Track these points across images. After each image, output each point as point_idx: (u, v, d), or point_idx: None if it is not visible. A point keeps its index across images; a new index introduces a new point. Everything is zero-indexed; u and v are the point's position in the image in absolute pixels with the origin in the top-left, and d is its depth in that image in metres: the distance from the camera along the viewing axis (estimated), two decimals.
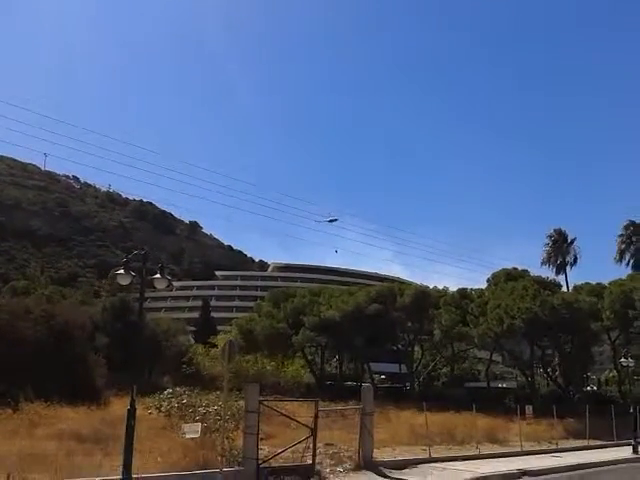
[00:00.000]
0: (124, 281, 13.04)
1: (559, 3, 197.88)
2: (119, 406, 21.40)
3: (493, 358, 53.65)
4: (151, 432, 16.47)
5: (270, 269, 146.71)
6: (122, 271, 12.82)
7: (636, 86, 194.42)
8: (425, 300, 46.05)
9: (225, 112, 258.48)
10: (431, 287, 51.84)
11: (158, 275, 12.73)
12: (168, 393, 22.36)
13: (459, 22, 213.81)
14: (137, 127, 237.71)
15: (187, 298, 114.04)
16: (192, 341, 52.35)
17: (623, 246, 61.01)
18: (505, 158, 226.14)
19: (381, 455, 18.16)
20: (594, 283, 44.57)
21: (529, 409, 26.80)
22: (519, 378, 53.20)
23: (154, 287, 13.29)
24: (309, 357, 49.69)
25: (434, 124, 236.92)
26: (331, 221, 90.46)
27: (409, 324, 47.15)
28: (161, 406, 21.01)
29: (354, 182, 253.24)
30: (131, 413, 12.12)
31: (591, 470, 19.14)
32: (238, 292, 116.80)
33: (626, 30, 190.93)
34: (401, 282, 73.18)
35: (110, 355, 33.99)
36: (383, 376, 61.62)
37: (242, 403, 15.16)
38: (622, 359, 43.28)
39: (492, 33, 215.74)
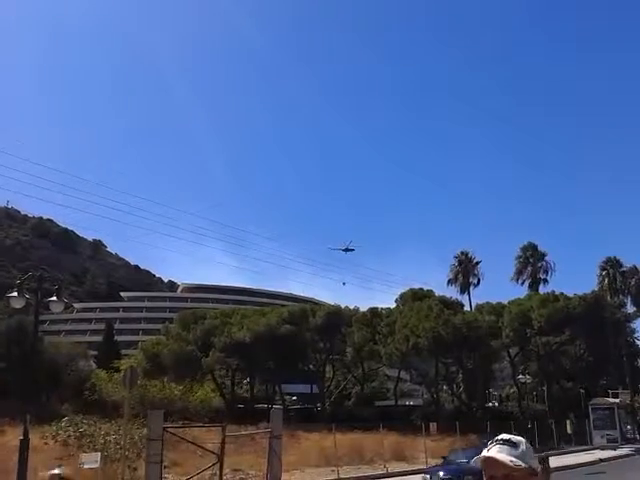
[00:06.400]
0: (18, 304, 12.36)
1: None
2: (13, 436, 20.06)
3: (401, 376, 54.92)
4: (47, 463, 15.56)
5: (180, 290, 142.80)
6: (15, 293, 12.12)
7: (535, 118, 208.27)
8: (337, 320, 46.62)
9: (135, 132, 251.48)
10: (343, 307, 52.50)
11: (54, 297, 12.08)
12: (66, 421, 21.31)
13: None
14: (38, 143, 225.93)
15: (89, 321, 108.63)
16: (94, 366, 49.87)
17: (521, 267, 64.46)
18: (412, 183, 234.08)
19: (290, 478, 18.01)
20: (494, 303, 46.83)
21: (433, 426, 27.58)
22: (425, 395, 54.67)
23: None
24: (219, 380, 48.64)
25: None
26: (346, 250, 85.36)
27: (321, 344, 47.48)
28: (58, 435, 19.97)
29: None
30: (24, 444, 11.42)
31: None
32: (145, 314, 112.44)
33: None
34: (314, 303, 73.72)
35: (5, 381, 31.86)
36: (295, 397, 61.38)
37: (145, 431, 14.60)
38: (520, 376, 45.43)
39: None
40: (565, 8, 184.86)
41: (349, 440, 25.18)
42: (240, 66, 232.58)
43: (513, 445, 2.01)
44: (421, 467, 23.13)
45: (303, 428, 31.13)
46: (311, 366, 50.82)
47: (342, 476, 19.27)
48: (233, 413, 38.87)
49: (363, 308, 50.60)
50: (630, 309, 55.42)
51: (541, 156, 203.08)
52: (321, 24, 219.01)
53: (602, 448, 34.73)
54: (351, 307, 51.42)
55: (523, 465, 1.95)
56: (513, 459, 1.96)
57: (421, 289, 47.63)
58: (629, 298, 58.31)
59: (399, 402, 52.68)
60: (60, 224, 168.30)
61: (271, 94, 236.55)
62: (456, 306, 45.23)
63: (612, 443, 35.75)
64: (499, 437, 2.09)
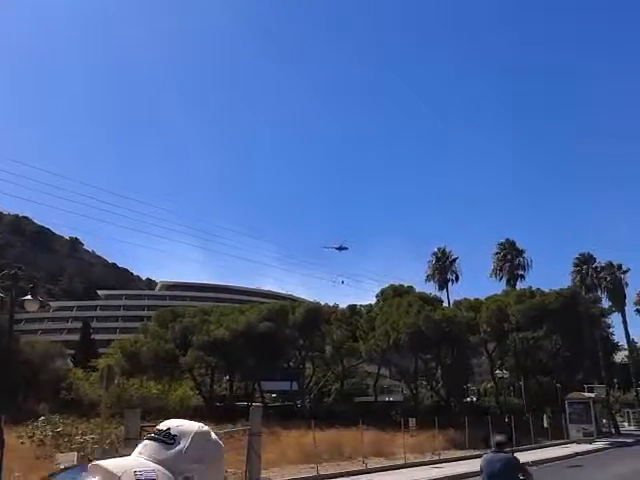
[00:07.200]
0: None
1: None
2: None
3: (381, 372, 55.17)
4: (23, 463, 15.36)
5: (158, 288, 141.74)
6: None
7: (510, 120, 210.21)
8: (316, 317, 46.61)
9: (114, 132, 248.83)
10: (322, 303, 52.49)
11: (29, 296, 11.89)
12: (42, 421, 21.05)
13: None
14: (14, 141, 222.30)
15: (66, 319, 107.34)
16: (70, 365, 49.31)
17: (499, 263, 64.99)
18: (394, 181, 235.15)
19: (269, 476, 17.99)
20: (472, 299, 47.23)
21: (412, 421, 27.71)
22: (405, 391, 54.99)
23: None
24: (198, 378, 48.34)
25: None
26: (340, 249, 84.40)
27: (301, 341, 47.44)
28: (34, 435, 19.71)
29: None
30: None
31: None
32: (122, 312, 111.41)
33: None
34: (293, 299, 73.64)
35: None
36: (274, 395, 61.27)
37: (123, 430, 14.47)
38: (497, 371, 45.83)
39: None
40: (565, 10, 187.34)
41: (328, 437, 25.23)
42: (221, 61, 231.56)
43: (168, 441, 1.30)
44: (400, 462, 23.28)
45: (283, 425, 31.10)
46: (291, 363, 50.78)
47: (321, 473, 19.28)
48: (212, 411, 38.69)
49: (342, 305, 50.82)
50: (605, 304, 56.25)
51: (521, 154, 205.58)
52: (309, 22, 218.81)
53: (578, 442, 35.30)
54: (330, 304, 51.56)
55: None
56: (138, 469, 1.20)
57: (401, 285, 47.86)
58: (605, 293, 59.17)
59: (379, 398, 52.90)
60: (36, 222, 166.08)
61: (253, 91, 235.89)
62: (435, 302, 45.53)
63: (588, 437, 36.34)
64: (161, 424, 1.36)
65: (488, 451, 8.43)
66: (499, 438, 8.55)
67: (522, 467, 8.26)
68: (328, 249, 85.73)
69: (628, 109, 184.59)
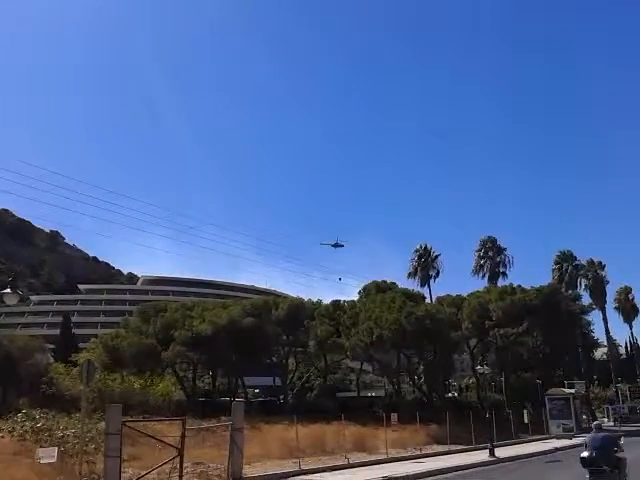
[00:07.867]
0: None
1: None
2: None
3: (364, 368, 55.39)
4: (3, 458, 15.18)
5: (140, 282, 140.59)
6: None
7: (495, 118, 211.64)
8: (300, 312, 46.61)
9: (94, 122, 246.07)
10: (306, 299, 52.46)
11: (8, 289, 11.74)
12: (22, 415, 20.82)
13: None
14: None
15: (47, 313, 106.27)
16: (51, 359, 48.79)
17: (480, 260, 65.50)
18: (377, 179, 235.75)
19: (252, 471, 17.96)
20: (454, 295, 47.56)
21: (394, 417, 27.88)
22: (387, 387, 55.29)
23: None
24: (181, 374, 48.13)
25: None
26: (336, 246, 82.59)
27: (284, 337, 47.41)
28: (14, 429, 19.47)
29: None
30: None
31: (451, 474, 20.13)
32: (104, 307, 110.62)
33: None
34: (277, 295, 73.62)
35: None
36: (257, 390, 61.27)
37: (104, 425, 14.35)
38: (478, 366, 46.27)
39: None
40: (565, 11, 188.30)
41: (311, 432, 25.26)
42: (212, 56, 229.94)
43: None
44: (382, 457, 23.42)
45: (265, 420, 31.07)
46: (274, 358, 50.76)
47: (304, 467, 19.31)
48: (195, 406, 38.53)
49: (325, 300, 50.85)
50: (587, 301, 57.00)
51: (503, 153, 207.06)
52: (309, 23, 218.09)
53: (558, 437, 35.79)
54: (314, 299, 51.57)
55: None
56: None
57: (384, 281, 48.01)
58: (587, 291, 59.94)
59: (361, 393, 53.13)
60: (16, 214, 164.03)
61: (241, 87, 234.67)
62: (418, 298, 45.74)
63: (568, 432, 36.86)
64: None
65: (592, 432, 12.00)
66: (597, 422, 12.98)
67: (616, 442, 11.52)
68: (324, 245, 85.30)
69: (612, 107, 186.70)
